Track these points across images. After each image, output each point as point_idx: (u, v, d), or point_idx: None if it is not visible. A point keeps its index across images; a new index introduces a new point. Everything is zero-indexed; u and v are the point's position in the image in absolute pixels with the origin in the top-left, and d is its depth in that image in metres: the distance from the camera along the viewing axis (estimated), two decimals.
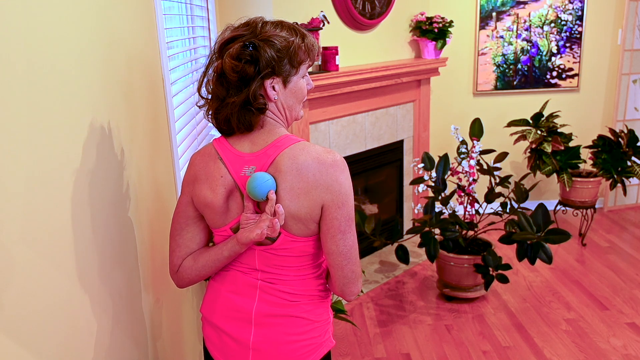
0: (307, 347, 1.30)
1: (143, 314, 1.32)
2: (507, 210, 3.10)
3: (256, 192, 1.16)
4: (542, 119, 3.97)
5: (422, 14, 3.82)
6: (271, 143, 1.21)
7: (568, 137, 3.99)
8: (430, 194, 4.34)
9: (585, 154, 4.51)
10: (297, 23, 1.29)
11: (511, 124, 4.01)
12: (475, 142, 3.23)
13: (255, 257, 1.27)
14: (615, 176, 3.88)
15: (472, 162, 3.17)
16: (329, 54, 3.13)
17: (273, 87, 1.21)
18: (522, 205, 3.56)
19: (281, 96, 1.23)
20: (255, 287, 1.29)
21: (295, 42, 1.21)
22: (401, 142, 3.98)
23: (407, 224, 4.20)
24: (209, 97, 1.25)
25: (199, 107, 1.28)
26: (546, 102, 4.03)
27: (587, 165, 4.47)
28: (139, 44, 1.43)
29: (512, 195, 4.40)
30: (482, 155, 4.42)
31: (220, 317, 1.33)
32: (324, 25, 3.07)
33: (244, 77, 1.18)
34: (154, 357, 1.40)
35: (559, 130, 4.04)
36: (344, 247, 1.23)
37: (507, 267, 2.97)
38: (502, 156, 3.35)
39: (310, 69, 3.21)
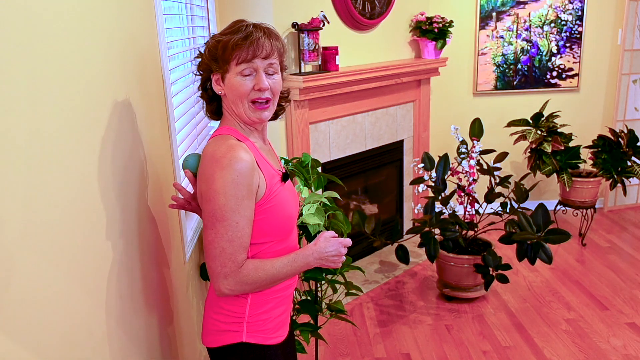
0: (213, 326, 1.38)
1: (144, 314, 1.32)
2: (507, 210, 3.10)
3: (182, 165, 1.40)
4: (542, 119, 3.97)
5: (422, 14, 3.82)
6: (215, 130, 1.36)
7: (568, 137, 3.99)
8: (430, 194, 4.34)
9: (585, 154, 4.51)
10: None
11: (511, 124, 4.00)
12: (475, 142, 3.23)
13: None
14: (615, 176, 3.88)
15: (472, 162, 3.17)
16: (329, 54, 3.13)
17: (218, 83, 1.32)
18: (522, 205, 3.55)
19: (226, 92, 1.32)
20: None
21: (221, 42, 1.27)
22: (401, 142, 3.98)
23: (407, 224, 4.21)
24: None
25: None
26: (546, 102, 4.03)
27: (587, 165, 4.47)
28: (138, 44, 1.43)
29: (512, 195, 4.40)
30: (482, 155, 4.42)
31: None
32: (324, 25, 3.07)
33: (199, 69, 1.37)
34: (154, 357, 1.40)
35: (559, 130, 4.04)
36: (205, 240, 1.27)
37: (507, 267, 2.97)
38: (502, 156, 3.35)
39: (311, 68, 3.21)
